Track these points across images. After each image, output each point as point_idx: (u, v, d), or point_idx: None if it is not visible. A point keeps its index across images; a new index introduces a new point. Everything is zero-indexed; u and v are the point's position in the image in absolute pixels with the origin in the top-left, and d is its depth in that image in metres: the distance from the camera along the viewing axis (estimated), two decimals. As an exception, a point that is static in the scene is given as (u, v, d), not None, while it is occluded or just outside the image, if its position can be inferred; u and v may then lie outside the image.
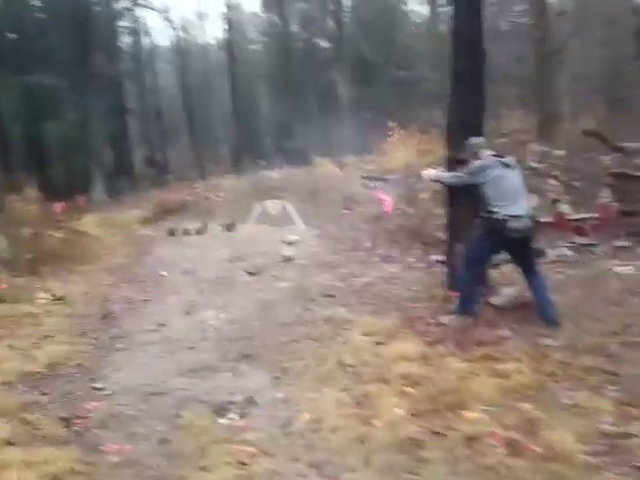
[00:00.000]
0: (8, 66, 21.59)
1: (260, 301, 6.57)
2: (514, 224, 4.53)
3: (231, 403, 3.80)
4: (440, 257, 8.29)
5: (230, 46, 28.08)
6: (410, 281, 7.10)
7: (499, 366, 3.92)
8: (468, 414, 3.30)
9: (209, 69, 39.60)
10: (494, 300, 5.15)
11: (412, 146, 15.19)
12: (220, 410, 3.70)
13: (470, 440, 2.98)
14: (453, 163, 5.23)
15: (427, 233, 9.02)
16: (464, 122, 5.15)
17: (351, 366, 4.15)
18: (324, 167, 17.49)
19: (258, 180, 17.24)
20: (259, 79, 36.20)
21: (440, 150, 16.48)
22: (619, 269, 6.59)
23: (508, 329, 4.70)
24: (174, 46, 34.95)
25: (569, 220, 7.78)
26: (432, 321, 4.91)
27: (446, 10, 20.98)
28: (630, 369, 3.88)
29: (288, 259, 9.32)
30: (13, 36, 24.56)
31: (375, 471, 2.80)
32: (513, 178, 4.75)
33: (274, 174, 17.52)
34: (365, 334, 4.76)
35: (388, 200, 10.03)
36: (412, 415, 3.34)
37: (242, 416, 3.61)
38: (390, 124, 16.87)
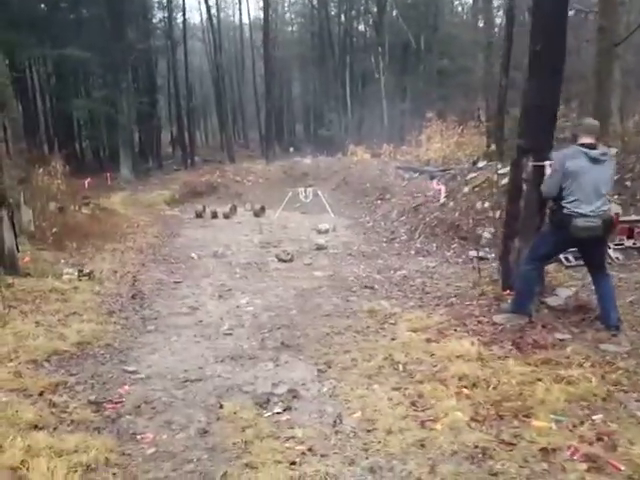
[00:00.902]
0: (39, 38, 21.54)
1: (296, 289, 6.36)
2: (580, 222, 4.19)
3: (274, 395, 3.58)
4: (479, 253, 8.00)
5: (266, 26, 27.56)
6: (450, 276, 6.84)
7: (562, 372, 3.63)
8: (536, 423, 3.03)
9: (243, 49, 39.29)
10: (550, 301, 4.84)
11: (450, 138, 14.80)
12: (263, 402, 3.48)
13: (545, 452, 2.71)
14: (523, 152, 4.88)
15: (466, 228, 8.71)
16: (540, 106, 4.79)
17: (402, 363, 3.90)
18: (358, 156, 17.18)
19: (290, 166, 17.06)
20: (294, 62, 35.74)
21: (478, 142, 16.26)
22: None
23: (567, 332, 4.40)
24: (207, 24, 34.46)
25: (619, 221, 7.37)
26: (485, 320, 4.62)
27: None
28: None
29: (321, 247, 9.12)
30: (45, 7, 24.47)
31: (442, 480, 2.56)
32: (596, 174, 4.24)
33: (306, 161, 17.29)
34: (413, 330, 4.50)
35: (442, 190, 9.73)
36: (474, 420, 3.08)
37: (287, 409, 3.39)
38: (428, 114, 16.50)
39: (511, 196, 5.12)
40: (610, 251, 7.16)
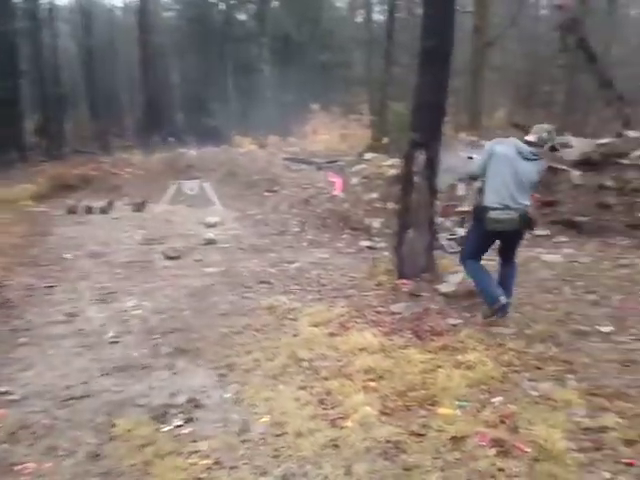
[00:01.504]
0: None
1: (187, 288, 6.02)
2: (495, 214, 4.23)
3: (173, 406, 3.31)
4: (370, 243, 8.18)
5: (142, 10, 25.90)
6: (344, 267, 6.87)
7: (460, 357, 3.76)
8: (442, 410, 3.09)
9: (115, 34, 36.82)
10: (443, 287, 5.02)
11: (334, 130, 15.01)
12: (161, 415, 3.20)
13: (455, 441, 2.75)
14: (415, 145, 4.97)
15: (357, 219, 8.85)
16: (431, 101, 4.91)
17: (306, 360, 3.80)
18: (245, 147, 16.83)
19: (172, 157, 16.25)
20: (172, 49, 34.16)
21: (362, 135, 16.67)
22: (546, 257, 6.78)
23: (459, 317, 4.59)
24: (76, 5, 31.75)
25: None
26: (384, 310, 4.67)
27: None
28: (583, 358, 3.87)
29: (210, 242, 8.77)
30: None
31: (359, 481, 2.49)
32: (520, 168, 4.23)
33: (190, 152, 16.60)
34: (315, 324, 4.42)
35: (339, 181, 9.73)
36: (384, 414, 3.07)
37: (188, 421, 3.14)
38: (313, 106, 16.59)
39: (404, 188, 5.23)
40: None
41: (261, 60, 26.78)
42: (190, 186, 12.72)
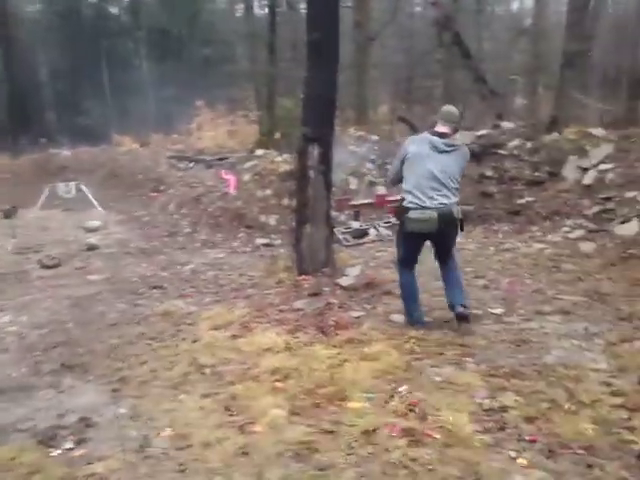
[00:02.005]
0: None
1: (70, 298, 5.52)
2: (414, 214, 3.95)
3: (62, 428, 2.97)
4: (266, 241, 8.07)
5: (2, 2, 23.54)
6: (241, 266, 6.71)
7: (365, 349, 3.76)
8: (351, 404, 3.04)
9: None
10: (342, 281, 5.02)
11: (221, 126, 14.67)
12: (49, 439, 2.86)
13: (366, 434, 2.71)
14: (308, 140, 4.90)
15: (251, 217, 8.70)
16: (321, 95, 4.87)
17: (209, 366, 3.59)
18: (126, 146, 15.92)
19: (44, 159, 14.99)
20: (41, 46, 31.47)
21: (250, 131, 16.43)
22: (437, 246, 7.07)
23: (361, 309, 4.61)
24: None
25: (387, 201, 8.13)
26: (286, 307, 4.57)
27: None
28: (479, 341, 4.03)
29: (92, 247, 8.18)
30: None
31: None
32: (438, 163, 3.96)
33: (65, 152, 15.37)
34: (215, 328, 4.22)
35: (232, 179, 9.42)
36: (293, 414, 2.96)
37: (80, 442, 2.83)
38: (197, 103, 16.09)
39: (299, 184, 5.17)
40: (381, 228, 7.85)
41: (138, 55, 25.50)
42: (65, 189, 11.75)
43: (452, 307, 4.19)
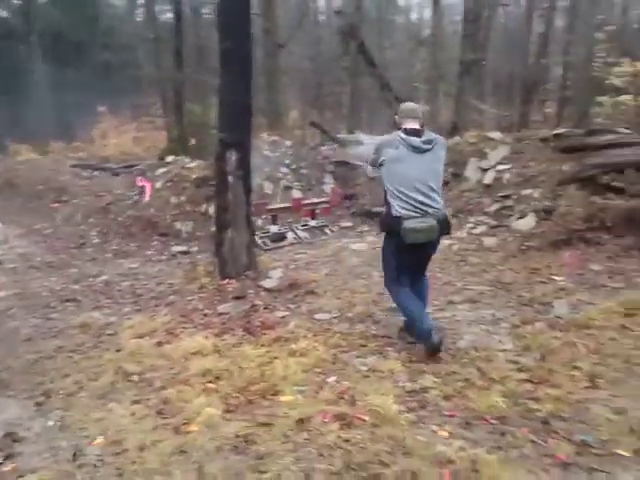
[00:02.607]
0: None
1: (-25, 316, 5.18)
2: (411, 224, 3.56)
3: (-15, 447, 2.83)
4: (182, 248, 7.98)
5: None
6: (157, 275, 6.60)
7: (293, 346, 3.87)
8: (284, 398, 3.15)
9: None
10: (266, 283, 5.11)
11: (126, 133, 14.22)
12: (-29, 460, 2.72)
13: (301, 423, 2.83)
14: (225, 146, 4.93)
15: (165, 224, 8.54)
16: (236, 101, 4.91)
17: (136, 374, 3.55)
18: (23, 155, 14.96)
19: None
20: None
21: (157, 137, 16.03)
22: (354, 246, 7.34)
23: (286, 309, 4.72)
24: None
25: (304, 204, 8.32)
26: (211, 312, 4.58)
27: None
28: (390, 331, 4.27)
29: (-7, 263, 7.66)
30: None
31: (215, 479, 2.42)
32: (420, 164, 3.61)
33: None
34: (139, 336, 4.15)
35: (148, 185, 9.13)
36: (228, 412, 3.02)
37: (9, 457, 2.72)
38: (100, 109, 15.47)
39: (218, 189, 5.19)
40: (299, 232, 8.01)
41: (32, 60, 24.00)
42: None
43: (428, 335, 3.70)
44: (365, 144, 5.27)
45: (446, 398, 3.15)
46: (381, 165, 3.72)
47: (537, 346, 3.83)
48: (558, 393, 3.15)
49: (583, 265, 5.77)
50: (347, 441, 2.64)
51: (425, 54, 11.92)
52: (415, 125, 3.72)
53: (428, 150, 3.64)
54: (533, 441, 2.70)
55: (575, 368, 3.47)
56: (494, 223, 7.55)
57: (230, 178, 4.98)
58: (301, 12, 12.87)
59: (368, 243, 7.42)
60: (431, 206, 3.63)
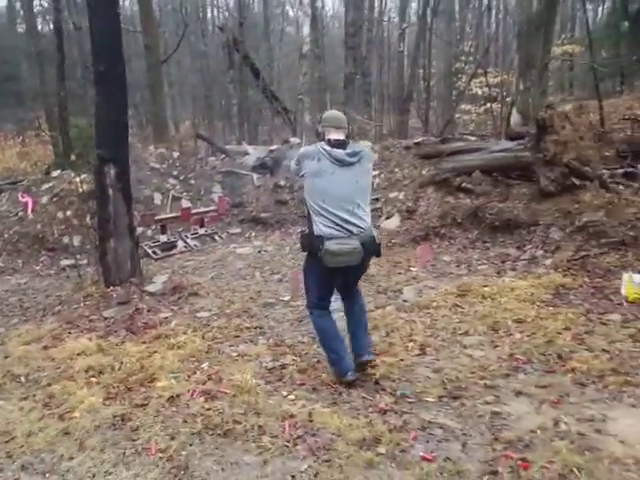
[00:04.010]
0: None
1: None
2: (333, 246, 3.24)
3: None
4: (71, 262, 8.10)
5: None
6: (46, 289, 6.76)
7: (172, 340, 4.34)
8: (160, 384, 3.61)
9: None
10: (150, 288, 5.51)
11: (11, 148, 13.79)
12: None
13: (172, 400, 3.32)
14: (103, 161, 5.28)
15: (53, 239, 8.59)
16: (110, 120, 5.27)
17: (23, 375, 3.86)
18: None
19: None
20: None
21: (43, 152, 15.59)
22: (239, 250, 7.88)
23: (169, 311, 5.17)
24: None
25: (192, 214, 8.73)
26: (96, 317, 4.93)
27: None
28: (270, 322, 4.88)
29: None
30: None
31: (93, 450, 2.86)
32: (344, 179, 3.31)
33: None
34: (26, 343, 4.43)
35: (29, 201, 9.02)
36: (108, 399, 3.44)
37: None
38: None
39: (99, 202, 5.53)
40: (188, 240, 8.42)
41: None
42: None
43: (358, 355, 3.58)
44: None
45: (300, 371, 3.76)
46: (302, 177, 3.42)
47: (384, 325, 4.58)
48: (393, 360, 3.86)
49: (435, 256, 6.70)
50: (209, 409, 3.18)
51: (306, 67, 12.73)
52: (340, 136, 3.42)
53: (353, 163, 3.34)
54: (364, 397, 3.37)
55: (411, 341, 4.22)
56: (366, 224, 8.41)
57: (110, 191, 5.34)
58: (184, 27, 13.21)
59: (254, 247, 8.00)
60: (356, 225, 3.32)
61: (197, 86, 16.97)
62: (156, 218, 8.30)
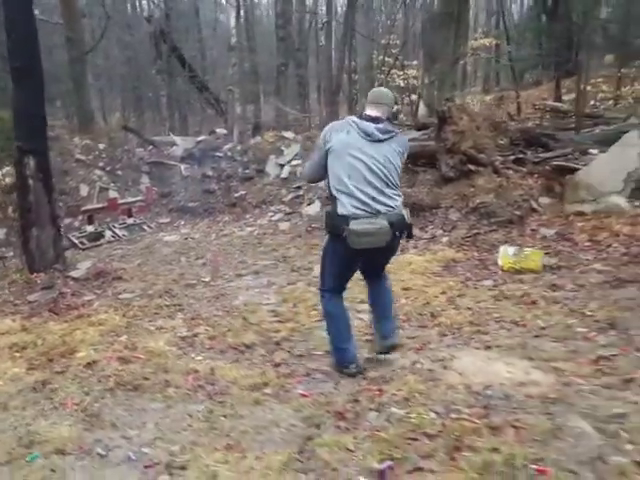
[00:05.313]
0: None
1: None
2: (357, 225, 3.02)
3: None
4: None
5: None
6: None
7: (94, 319, 4.69)
8: (80, 354, 3.97)
9: None
10: (74, 274, 5.80)
11: None
12: None
13: (89, 365, 3.70)
14: (23, 152, 5.50)
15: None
16: (28, 113, 5.49)
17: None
18: None
19: None
20: None
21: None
22: (167, 238, 8.22)
23: (92, 294, 5.49)
24: None
25: (120, 204, 8.96)
26: (20, 302, 5.19)
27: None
28: (190, 300, 5.29)
29: None
30: None
31: (16, 409, 3.19)
32: (373, 155, 3.10)
33: None
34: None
35: None
36: (30, 369, 3.77)
37: None
38: None
39: (20, 192, 5.76)
40: (116, 230, 8.66)
41: None
42: None
43: (384, 338, 3.46)
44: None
45: (211, 339, 4.21)
46: (327, 152, 3.17)
47: (293, 299, 5.08)
48: (295, 326, 4.38)
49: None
50: (122, 371, 3.59)
51: (235, 58, 13.03)
52: (374, 112, 3.21)
53: (383, 140, 3.13)
54: (263, 355, 3.86)
55: (314, 310, 4.74)
56: (289, 210, 8.92)
57: (30, 181, 5.58)
58: (106, 19, 13.18)
59: (181, 235, 8.36)
60: (385, 204, 3.10)
61: (125, 77, 16.90)
62: (83, 209, 8.49)
